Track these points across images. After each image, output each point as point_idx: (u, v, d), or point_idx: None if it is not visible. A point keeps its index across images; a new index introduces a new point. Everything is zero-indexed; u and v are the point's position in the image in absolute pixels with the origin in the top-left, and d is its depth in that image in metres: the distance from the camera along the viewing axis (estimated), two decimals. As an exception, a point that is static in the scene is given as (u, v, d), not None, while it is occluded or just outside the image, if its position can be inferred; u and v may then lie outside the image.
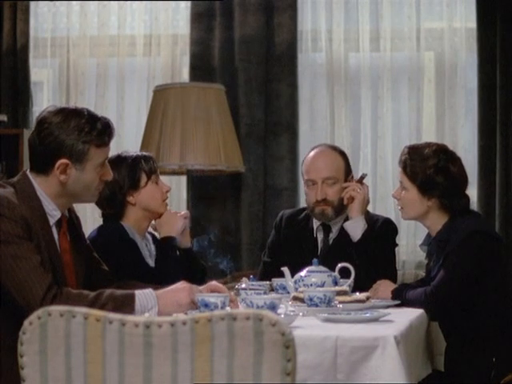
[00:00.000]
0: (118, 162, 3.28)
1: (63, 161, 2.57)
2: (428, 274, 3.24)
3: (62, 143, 2.56)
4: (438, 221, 3.13)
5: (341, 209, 3.53)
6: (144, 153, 3.37)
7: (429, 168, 3.09)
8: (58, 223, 2.64)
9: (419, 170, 3.11)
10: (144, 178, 3.27)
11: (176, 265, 3.17)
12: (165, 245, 3.29)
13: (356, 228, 3.43)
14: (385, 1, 4.97)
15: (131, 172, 3.26)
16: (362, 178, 3.53)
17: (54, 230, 2.62)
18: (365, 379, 2.23)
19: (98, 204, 3.29)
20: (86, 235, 3.02)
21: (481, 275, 3.00)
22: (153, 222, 3.37)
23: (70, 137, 2.57)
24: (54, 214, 2.61)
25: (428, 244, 3.20)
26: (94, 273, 2.82)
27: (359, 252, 3.38)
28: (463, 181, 3.16)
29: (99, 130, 2.61)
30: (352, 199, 3.47)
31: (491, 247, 3.03)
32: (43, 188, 2.59)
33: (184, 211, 3.45)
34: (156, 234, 3.43)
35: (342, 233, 3.52)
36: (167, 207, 3.35)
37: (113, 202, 3.27)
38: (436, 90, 4.97)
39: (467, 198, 3.16)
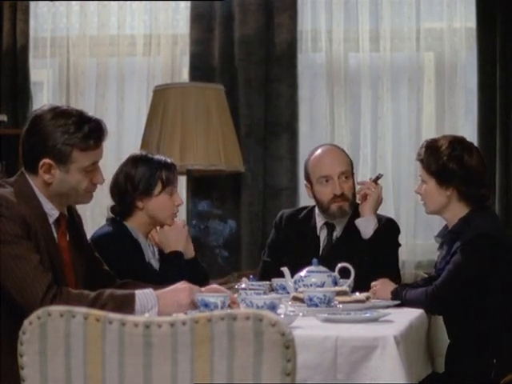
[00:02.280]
0: (141, 160, 3.27)
1: (46, 160, 2.54)
2: (435, 265, 3.26)
3: (45, 143, 2.53)
4: (458, 212, 3.13)
5: (354, 205, 3.53)
6: (168, 160, 3.31)
7: (442, 157, 3.11)
8: (57, 222, 2.64)
9: (434, 160, 3.12)
10: (159, 186, 3.23)
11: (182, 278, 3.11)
12: (172, 260, 3.25)
13: (367, 226, 3.44)
14: (385, 1, 4.97)
15: (149, 177, 3.22)
16: (378, 178, 3.56)
17: (53, 229, 2.62)
18: (365, 379, 2.23)
19: (111, 193, 3.28)
20: (89, 235, 3.02)
21: (483, 277, 3.00)
22: (155, 237, 3.34)
23: (53, 137, 2.53)
24: (52, 212, 2.60)
25: (442, 236, 3.21)
26: (96, 273, 2.82)
27: (370, 250, 3.39)
28: (481, 171, 3.17)
29: (85, 133, 2.55)
30: (365, 197, 3.49)
31: (495, 251, 3.02)
32: (37, 187, 2.58)
33: (180, 220, 3.40)
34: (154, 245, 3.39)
35: (348, 231, 3.52)
36: (175, 220, 3.31)
37: (122, 200, 3.26)
38: (436, 90, 4.97)
39: (487, 189, 3.17)
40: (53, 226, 2.61)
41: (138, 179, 3.22)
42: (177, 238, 3.29)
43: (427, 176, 3.16)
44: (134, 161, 3.28)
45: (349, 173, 3.54)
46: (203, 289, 2.64)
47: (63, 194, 2.60)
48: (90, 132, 2.57)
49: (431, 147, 3.16)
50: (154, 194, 3.23)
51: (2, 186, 2.57)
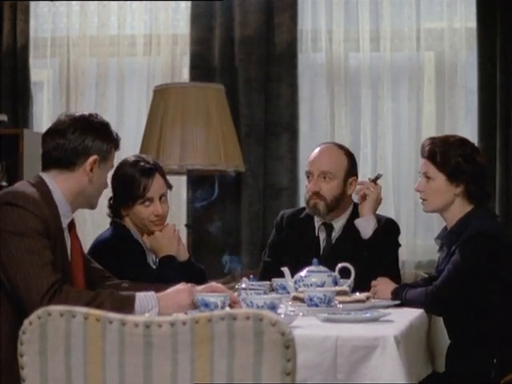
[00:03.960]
0: (119, 171, 3.23)
1: (95, 157, 2.66)
2: (436, 267, 3.26)
3: (93, 141, 2.67)
4: (458, 212, 3.13)
5: (334, 207, 3.52)
6: (148, 166, 3.24)
7: (458, 156, 3.11)
8: (68, 225, 2.68)
9: (451, 156, 3.11)
10: (134, 199, 3.22)
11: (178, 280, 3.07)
12: (166, 264, 3.22)
13: (367, 226, 3.44)
14: (385, 1, 4.97)
15: (123, 189, 3.21)
16: (377, 178, 3.55)
17: (66, 233, 2.66)
18: (365, 379, 2.23)
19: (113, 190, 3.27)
20: (88, 236, 3.02)
21: (482, 277, 3.00)
22: (146, 242, 3.33)
23: (99, 136, 2.68)
24: (68, 215, 2.67)
25: (442, 237, 3.21)
26: (86, 271, 2.83)
27: (369, 250, 3.39)
28: (487, 170, 3.21)
29: (115, 133, 2.76)
30: (365, 197, 3.49)
31: (494, 250, 3.02)
32: (62, 187, 2.64)
33: (171, 224, 3.34)
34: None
35: (347, 231, 3.52)
36: (168, 223, 3.28)
37: (113, 203, 3.27)
38: (436, 90, 4.97)
39: (489, 187, 3.19)
40: (66, 230, 2.65)
41: (117, 190, 3.23)
42: (168, 242, 3.25)
43: (437, 172, 3.13)
44: (115, 170, 3.23)
45: (333, 175, 3.50)
46: (201, 287, 2.63)
47: (92, 193, 2.70)
48: (116, 133, 2.79)
49: (443, 144, 3.15)
50: (129, 204, 3.22)
51: (25, 186, 2.60)
